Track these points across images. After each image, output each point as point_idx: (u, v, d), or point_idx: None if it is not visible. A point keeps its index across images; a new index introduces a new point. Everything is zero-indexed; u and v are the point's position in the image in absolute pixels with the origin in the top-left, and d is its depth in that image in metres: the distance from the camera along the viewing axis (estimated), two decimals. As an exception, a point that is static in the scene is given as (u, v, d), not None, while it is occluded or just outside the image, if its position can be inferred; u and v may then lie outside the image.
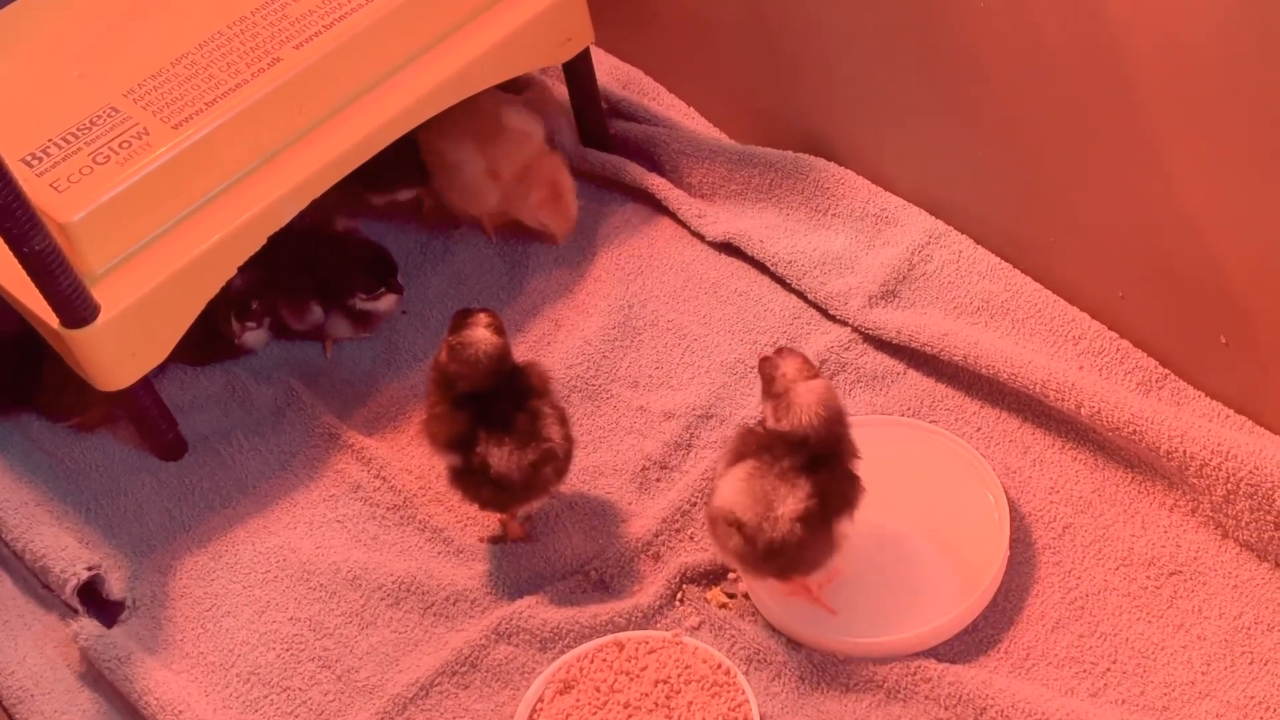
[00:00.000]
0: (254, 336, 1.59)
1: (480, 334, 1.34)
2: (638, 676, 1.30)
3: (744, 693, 1.26)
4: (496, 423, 1.34)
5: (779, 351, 1.28)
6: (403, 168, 1.65)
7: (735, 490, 1.24)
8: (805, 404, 1.23)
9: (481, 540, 1.43)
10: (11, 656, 1.40)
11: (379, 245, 1.62)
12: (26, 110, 1.49)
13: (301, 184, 1.47)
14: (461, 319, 1.36)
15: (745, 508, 1.24)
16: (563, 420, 1.37)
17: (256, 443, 1.55)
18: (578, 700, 1.29)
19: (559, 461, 1.36)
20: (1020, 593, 1.32)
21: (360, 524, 1.47)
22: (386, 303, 1.59)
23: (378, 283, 1.57)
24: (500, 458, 1.33)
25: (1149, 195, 1.32)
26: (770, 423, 1.25)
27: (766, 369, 1.27)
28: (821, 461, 1.24)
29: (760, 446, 1.26)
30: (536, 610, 1.36)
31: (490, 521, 1.45)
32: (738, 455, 1.27)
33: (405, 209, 1.73)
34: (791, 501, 1.23)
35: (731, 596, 1.36)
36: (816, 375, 1.26)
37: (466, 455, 1.35)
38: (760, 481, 1.24)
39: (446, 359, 1.35)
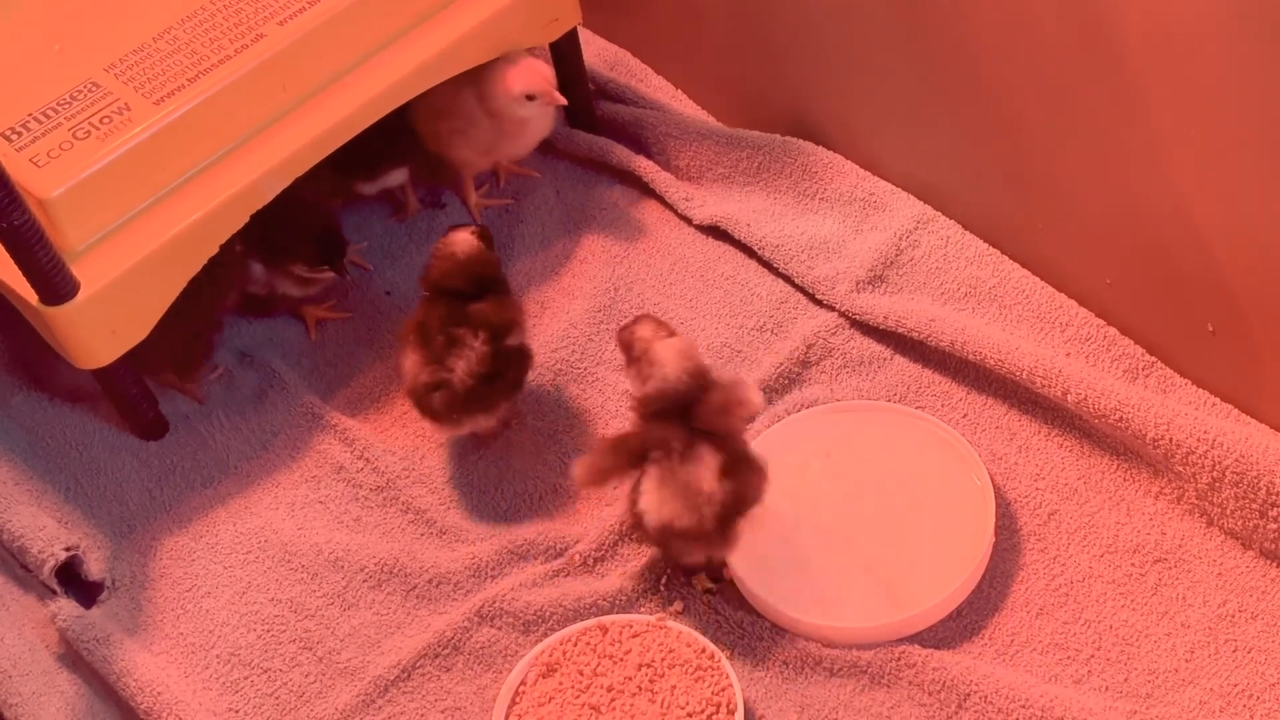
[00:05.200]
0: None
1: (460, 236, 1.42)
2: (621, 660, 1.29)
3: (728, 677, 1.26)
4: (421, 336, 1.39)
5: (636, 319, 1.31)
6: (387, 150, 1.61)
7: (659, 502, 1.24)
8: (666, 359, 1.26)
9: (465, 520, 1.43)
10: (-12, 637, 1.39)
11: (333, 218, 1.59)
12: (5, 84, 1.47)
13: (284, 161, 1.45)
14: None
15: (679, 514, 1.24)
16: (490, 361, 1.38)
17: (238, 422, 1.54)
18: (560, 683, 1.28)
19: (451, 393, 1.37)
20: (1005, 579, 1.32)
21: (342, 505, 1.46)
22: (324, 279, 1.58)
23: (322, 259, 1.55)
24: (406, 366, 1.40)
25: (1138, 182, 1.32)
26: (636, 390, 1.28)
27: (625, 337, 1.30)
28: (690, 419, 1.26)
29: (646, 443, 1.26)
30: (520, 593, 1.35)
31: (475, 506, 1.44)
32: (632, 461, 1.27)
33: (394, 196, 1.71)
34: (709, 477, 1.24)
35: (716, 581, 1.35)
36: (674, 334, 1.29)
37: (401, 357, 1.42)
38: (672, 478, 1.24)
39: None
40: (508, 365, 1.40)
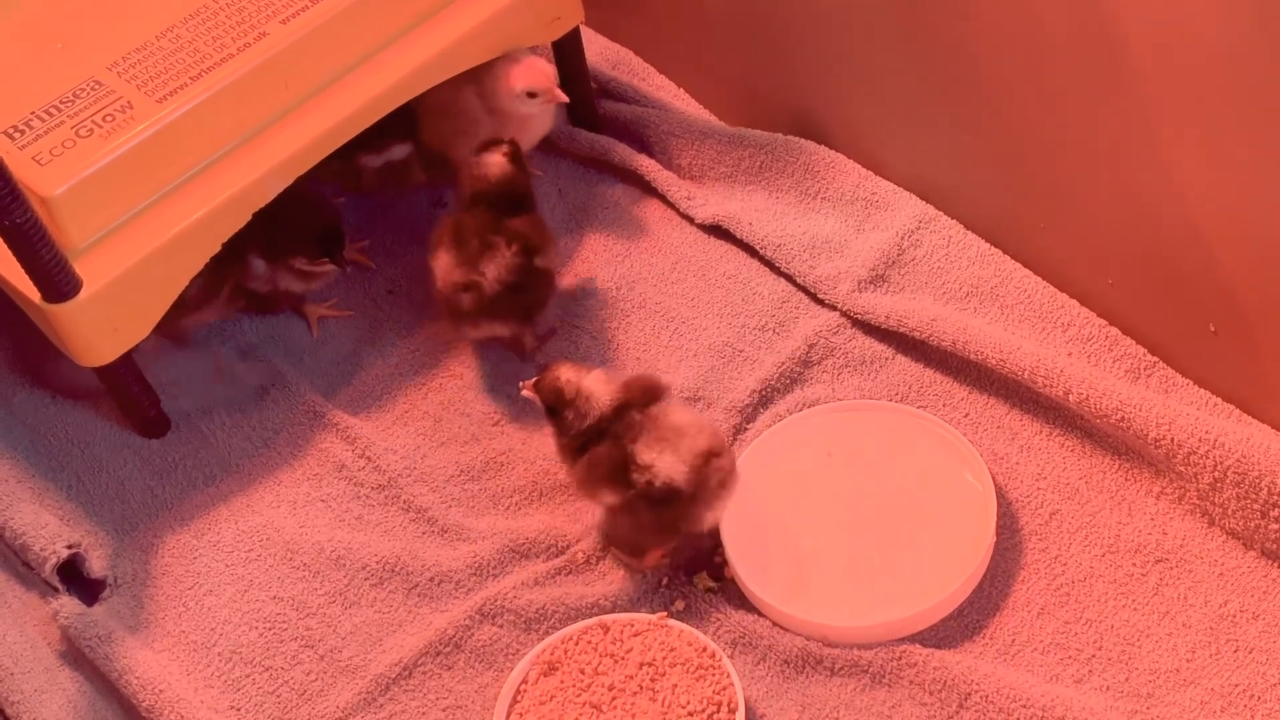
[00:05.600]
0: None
1: (492, 159, 1.47)
2: (622, 659, 1.29)
3: (729, 676, 1.26)
4: (456, 239, 1.44)
5: (547, 368, 1.32)
6: (391, 123, 1.59)
7: (661, 454, 1.27)
8: (598, 391, 1.30)
9: (467, 517, 1.43)
10: (-10, 634, 1.39)
11: (333, 212, 1.59)
12: (8, 83, 1.47)
13: (287, 160, 1.45)
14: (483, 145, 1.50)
15: (679, 475, 1.27)
16: (521, 271, 1.43)
17: (240, 420, 1.54)
18: (562, 682, 1.28)
19: (479, 296, 1.43)
20: (1006, 579, 1.32)
21: (344, 503, 1.46)
22: (327, 271, 1.58)
23: (322, 252, 1.55)
24: (439, 265, 1.45)
25: (1139, 182, 1.32)
26: (573, 428, 1.30)
27: (550, 384, 1.30)
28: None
29: (609, 477, 1.29)
30: (521, 591, 1.35)
31: (476, 504, 1.44)
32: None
33: (398, 177, 1.70)
34: (682, 412, 1.31)
35: (718, 580, 1.35)
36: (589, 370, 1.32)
37: (433, 261, 1.47)
38: (660, 433, 1.29)
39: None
40: (534, 282, 1.46)
